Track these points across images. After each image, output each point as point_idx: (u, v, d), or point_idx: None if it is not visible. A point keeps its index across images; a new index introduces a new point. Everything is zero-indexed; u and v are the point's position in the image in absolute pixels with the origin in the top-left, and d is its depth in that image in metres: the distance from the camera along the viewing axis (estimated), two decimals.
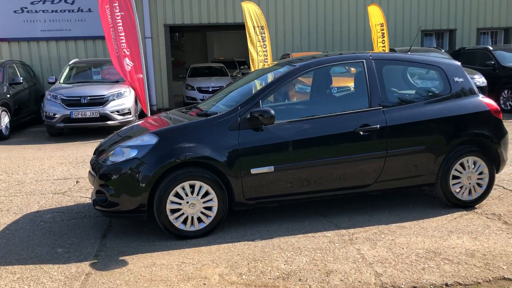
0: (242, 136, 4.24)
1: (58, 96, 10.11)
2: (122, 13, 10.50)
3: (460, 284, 3.31)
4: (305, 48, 14.91)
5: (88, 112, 9.93)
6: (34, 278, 3.56)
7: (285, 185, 4.38)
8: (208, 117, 4.39)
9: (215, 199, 4.21)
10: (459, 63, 4.97)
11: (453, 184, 4.77)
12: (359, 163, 4.51)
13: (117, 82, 10.85)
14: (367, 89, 4.58)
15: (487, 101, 4.91)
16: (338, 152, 4.45)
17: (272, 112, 4.16)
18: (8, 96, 10.70)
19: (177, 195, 4.13)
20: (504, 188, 5.52)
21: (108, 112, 10.02)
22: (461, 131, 4.71)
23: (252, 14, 11.79)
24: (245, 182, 4.26)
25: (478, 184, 4.85)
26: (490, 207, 4.89)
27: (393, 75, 4.87)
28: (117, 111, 10.16)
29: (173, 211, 4.15)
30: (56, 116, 9.96)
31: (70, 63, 11.87)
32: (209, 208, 4.24)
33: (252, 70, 11.07)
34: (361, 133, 4.45)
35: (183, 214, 4.17)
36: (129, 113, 10.39)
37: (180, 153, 4.11)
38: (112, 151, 4.31)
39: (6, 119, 10.42)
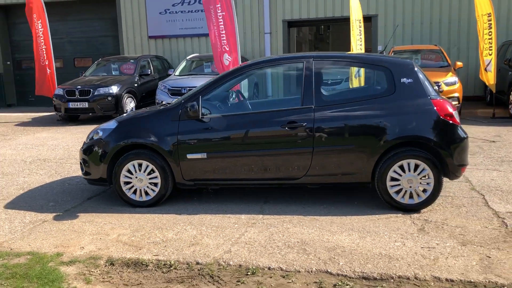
0: (181, 126, 5.02)
1: (166, 87, 11.95)
2: (224, 13, 11.81)
3: (282, 269, 3.62)
4: (407, 41, 14.29)
5: None
6: (12, 219, 4.97)
7: (219, 171, 5.01)
8: (157, 109, 5.27)
9: (159, 177, 5.09)
10: (411, 63, 4.83)
11: (391, 186, 4.76)
12: (286, 157, 4.86)
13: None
14: (302, 88, 4.88)
15: (439, 104, 4.70)
16: (265, 145, 4.89)
17: (196, 106, 4.84)
18: (136, 85, 12.98)
19: (129, 171, 5.14)
20: (483, 198, 5.13)
21: None
22: (395, 133, 4.66)
23: (356, 8, 11.97)
24: (183, 165, 5.03)
25: (424, 189, 4.73)
26: (434, 213, 4.72)
27: (334, 75, 5.02)
28: None
29: (126, 183, 5.17)
30: (163, 103, 11.79)
31: (187, 58, 13.71)
32: (155, 184, 5.14)
33: None
34: (287, 129, 4.79)
35: (133, 186, 5.16)
36: None
37: (128, 138, 5.10)
38: (94, 132, 5.52)
39: (132, 104, 12.71)
